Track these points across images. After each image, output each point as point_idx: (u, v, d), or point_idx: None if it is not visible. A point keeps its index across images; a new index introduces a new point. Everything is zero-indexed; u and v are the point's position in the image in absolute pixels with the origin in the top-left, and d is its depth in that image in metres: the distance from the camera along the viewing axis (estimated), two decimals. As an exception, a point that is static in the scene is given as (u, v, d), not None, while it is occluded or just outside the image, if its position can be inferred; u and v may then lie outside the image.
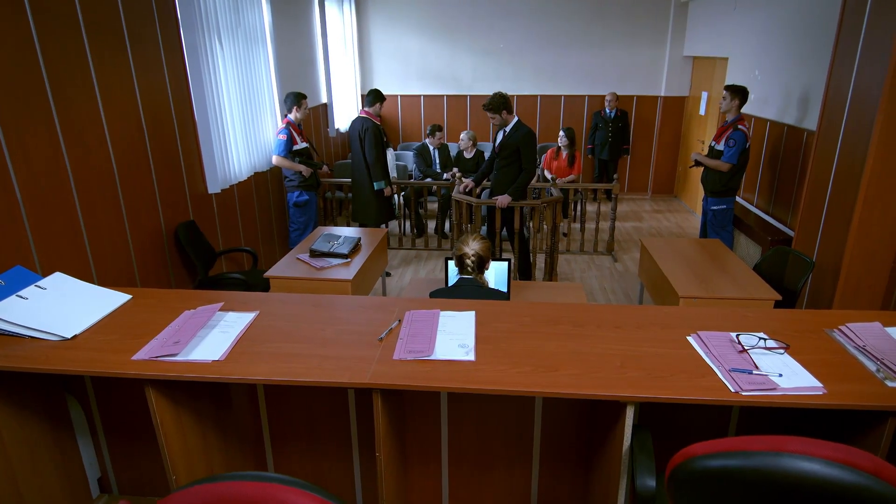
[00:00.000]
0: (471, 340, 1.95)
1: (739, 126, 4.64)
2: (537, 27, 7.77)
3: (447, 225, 6.64)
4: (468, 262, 2.80)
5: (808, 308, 3.95)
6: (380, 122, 5.36)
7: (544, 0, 7.66)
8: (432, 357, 1.85)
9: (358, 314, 2.20)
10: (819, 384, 1.69)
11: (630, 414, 1.69)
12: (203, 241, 4.18)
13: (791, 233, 4.85)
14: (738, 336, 1.92)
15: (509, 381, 1.75)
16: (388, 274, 5.53)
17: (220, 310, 2.15)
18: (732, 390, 1.67)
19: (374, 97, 5.31)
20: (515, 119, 4.66)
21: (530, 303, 2.43)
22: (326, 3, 6.78)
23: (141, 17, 3.56)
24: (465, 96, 8.14)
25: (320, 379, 1.77)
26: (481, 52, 7.95)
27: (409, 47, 8.02)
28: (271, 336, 2.01)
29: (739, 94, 4.71)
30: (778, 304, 3.32)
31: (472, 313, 2.15)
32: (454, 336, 1.97)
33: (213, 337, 1.97)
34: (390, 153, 6.66)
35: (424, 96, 8.22)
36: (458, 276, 2.87)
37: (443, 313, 2.15)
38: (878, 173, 3.34)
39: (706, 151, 5.12)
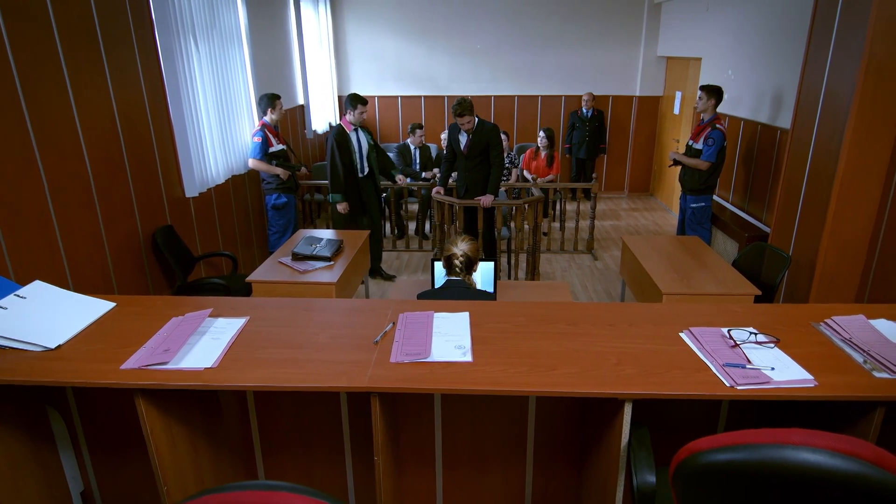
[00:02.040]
0: (467, 341, 1.94)
1: (717, 125, 4.74)
2: (513, 28, 7.82)
3: (427, 226, 6.63)
4: (456, 262, 2.79)
5: (785, 301, 4.05)
6: (351, 128, 4.92)
7: (520, 1, 7.70)
8: (430, 359, 1.84)
9: (350, 317, 2.17)
10: (810, 377, 1.73)
11: (628, 411, 1.70)
12: (181, 246, 4.10)
13: (766, 229, 4.97)
14: (729, 331, 1.96)
15: (509, 381, 1.74)
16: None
17: (210, 316, 2.11)
18: (727, 385, 1.70)
19: (347, 101, 4.94)
20: (476, 119, 4.75)
21: (523, 303, 2.44)
22: (302, 4, 6.71)
23: (115, 19, 3.48)
24: (443, 97, 8.14)
25: (317, 384, 1.74)
26: (458, 53, 7.96)
27: (385, 48, 7.99)
28: (264, 341, 1.97)
29: (715, 93, 4.80)
30: (757, 299, 3.39)
31: (466, 314, 2.14)
32: (450, 337, 1.97)
33: (204, 344, 1.92)
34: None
35: (401, 97, 8.20)
36: (446, 278, 2.86)
37: (436, 315, 2.14)
38: (851, 170, 3.44)
39: (683, 150, 5.21)
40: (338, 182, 4.91)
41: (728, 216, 5.54)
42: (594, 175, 6.09)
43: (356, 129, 4.95)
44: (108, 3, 3.39)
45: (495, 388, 1.72)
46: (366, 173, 5.09)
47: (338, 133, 4.90)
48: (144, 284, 3.79)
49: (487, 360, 1.85)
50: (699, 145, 4.86)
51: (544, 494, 2.39)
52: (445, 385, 1.73)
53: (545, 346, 1.94)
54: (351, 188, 4.99)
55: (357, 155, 4.97)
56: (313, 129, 7.19)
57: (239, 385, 1.74)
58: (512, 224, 5.62)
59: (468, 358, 1.85)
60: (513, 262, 5.51)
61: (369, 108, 8.26)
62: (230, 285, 4.07)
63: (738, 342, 1.90)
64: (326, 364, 1.84)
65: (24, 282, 2.21)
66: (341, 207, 4.98)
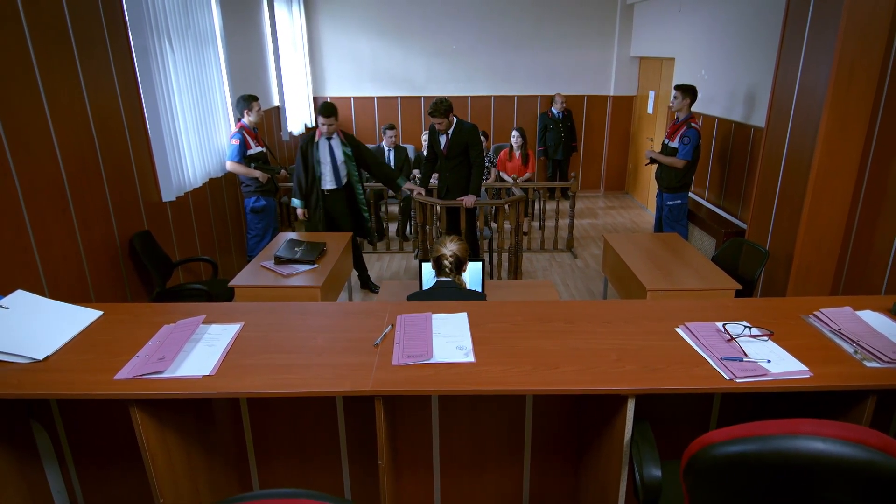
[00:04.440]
0: (468, 342, 1.94)
1: (692, 123, 4.83)
2: (489, 28, 7.85)
3: (408, 227, 6.61)
4: (446, 263, 2.78)
5: (763, 295, 4.15)
6: (321, 136, 4.61)
7: (494, 1, 7.74)
8: (432, 360, 1.83)
9: (347, 321, 2.15)
10: (805, 368, 1.77)
11: (631, 406, 1.72)
12: (159, 252, 4.00)
13: (742, 224, 5.08)
14: (724, 325, 1.99)
15: (513, 380, 1.75)
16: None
17: (202, 322, 2.06)
18: (727, 378, 1.73)
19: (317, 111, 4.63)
20: (455, 119, 4.73)
21: (519, 302, 2.45)
22: (276, 5, 6.63)
23: (88, 19, 3.38)
24: (419, 97, 8.12)
25: (320, 389, 1.72)
26: (434, 54, 7.96)
27: (361, 49, 7.94)
28: (261, 347, 1.94)
29: (690, 93, 4.89)
30: (737, 293, 3.46)
31: (465, 315, 2.14)
32: (450, 338, 1.96)
33: (200, 351, 1.88)
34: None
35: (378, 98, 8.15)
36: (436, 279, 2.85)
37: (434, 316, 2.13)
38: (825, 166, 3.54)
39: (659, 149, 5.30)
40: (296, 187, 4.76)
41: (704, 213, 5.66)
42: (573, 174, 6.14)
43: (329, 138, 4.63)
44: (80, 3, 3.29)
45: (501, 387, 1.72)
46: (334, 186, 4.72)
47: (304, 138, 4.71)
48: (122, 291, 3.69)
49: (490, 361, 1.85)
50: (675, 144, 4.94)
51: (541, 494, 2.40)
52: (451, 386, 1.72)
53: (545, 344, 1.95)
54: (310, 198, 4.74)
55: (322, 165, 4.64)
56: (289, 130, 7.10)
57: (240, 392, 1.71)
58: (493, 224, 5.64)
59: (470, 358, 1.85)
60: (495, 261, 5.53)
61: (345, 109, 8.19)
62: (211, 291, 3.99)
63: (733, 336, 1.93)
64: (327, 368, 1.81)
65: None
66: (299, 213, 4.86)
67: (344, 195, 4.80)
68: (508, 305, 2.29)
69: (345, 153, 4.68)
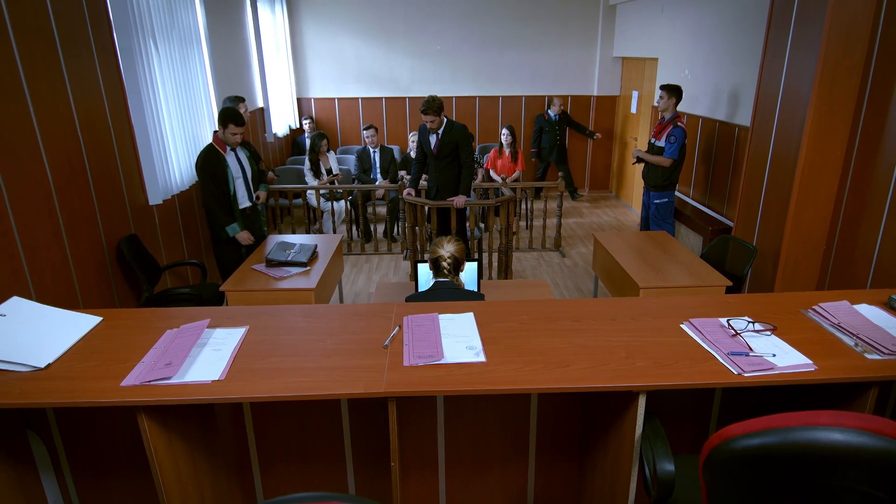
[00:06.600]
0: (477, 342, 1.94)
1: (678, 123, 4.90)
2: (473, 29, 7.87)
3: (396, 228, 6.59)
4: (444, 264, 2.78)
5: (751, 291, 4.22)
6: (226, 149, 4.04)
7: (478, 2, 7.76)
8: (443, 361, 1.82)
9: (353, 322, 2.13)
10: (809, 361, 1.81)
11: (642, 403, 1.74)
12: (147, 256, 3.93)
13: (728, 222, 5.16)
14: (728, 321, 2.02)
15: (525, 379, 1.75)
16: None
17: (207, 327, 2.03)
18: (735, 372, 1.76)
19: (219, 117, 4.03)
20: (445, 119, 4.74)
21: (524, 301, 2.45)
22: (259, 5, 6.56)
23: (72, 19, 3.31)
24: (404, 98, 8.10)
25: (332, 391, 1.70)
26: (418, 54, 7.95)
27: (345, 49, 7.90)
28: (269, 351, 1.91)
29: (675, 92, 4.96)
30: (726, 290, 3.52)
31: (471, 315, 2.14)
32: (459, 338, 1.96)
33: (207, 356, 1.85)
34: (332, 156, 6.51)
35: (362, 98, 8.11)
36: (434, 280, 2.85)
37: (441, 316, 2.12)
38: (810, 164, 3.62)
39: (645, 148, 5.36)
40: (220, 212, 4.03)
41: (690, 211, 5.74)
42: (560, 174, 6.19)
43: (234, 149, 4.12)
44: (64, 3, 3.22)
45: (514, 386, 1.72)
46: (248, 203, 4.25)
47: (204, 157, 3.95)
48: (110, 297, 3.61)
49: (501, 360, 1.85)
50: (662, 143, 5.01)
51: (546, 493, 2.41)
52: (464, 386, 1.72)
53: (554, 343, 1.96)
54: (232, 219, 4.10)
55: (236, 181, 4.12)
56: (273, 132, 7.03)
57: (252, 396, 1.68)
58: (482, 224, 5.65)
59: (481, 358, 1.85)
60: (485, 261, 5.54)
61: (330, 110, 8.14)
62: (201, 294, 3.93)
63: (737, 331, 1.96)
64: (337, 371, 1.80)
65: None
66: (245, 236, 4.14)
67: (258, 218, 4.41)
68: (513, 305, 2.30)
69: (250, 162, 4.27)
